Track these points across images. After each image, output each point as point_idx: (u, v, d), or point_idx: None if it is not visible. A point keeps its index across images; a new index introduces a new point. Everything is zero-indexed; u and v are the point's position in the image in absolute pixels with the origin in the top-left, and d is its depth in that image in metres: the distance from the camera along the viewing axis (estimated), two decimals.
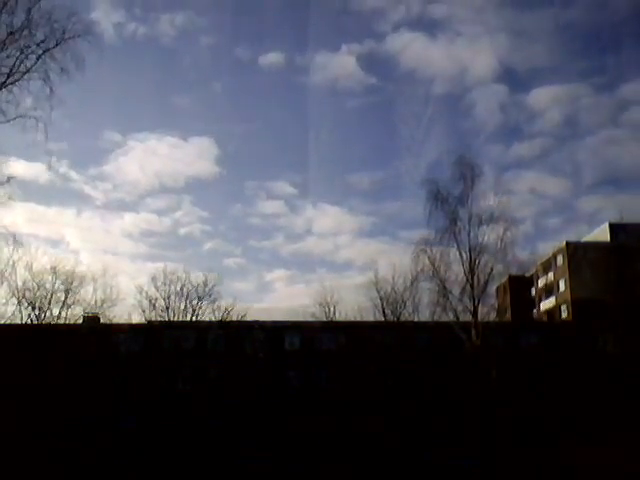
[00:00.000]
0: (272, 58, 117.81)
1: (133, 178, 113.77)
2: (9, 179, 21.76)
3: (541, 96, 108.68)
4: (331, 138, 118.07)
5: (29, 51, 20.56)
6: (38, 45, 20.54)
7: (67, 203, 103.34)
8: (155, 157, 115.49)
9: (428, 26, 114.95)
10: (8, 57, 20.34)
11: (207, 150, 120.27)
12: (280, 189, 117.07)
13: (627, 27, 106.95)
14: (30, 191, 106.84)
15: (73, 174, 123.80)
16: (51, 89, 20.64)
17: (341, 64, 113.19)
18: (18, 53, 20.45)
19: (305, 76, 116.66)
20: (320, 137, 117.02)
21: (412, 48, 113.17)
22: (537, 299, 70.56)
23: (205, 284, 51.95)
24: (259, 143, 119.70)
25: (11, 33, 20.11)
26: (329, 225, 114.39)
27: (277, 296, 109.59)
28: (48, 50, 20.55)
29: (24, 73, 20.55)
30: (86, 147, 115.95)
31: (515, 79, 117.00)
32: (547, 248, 65.40)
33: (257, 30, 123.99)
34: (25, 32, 20.36)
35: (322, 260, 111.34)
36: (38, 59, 20.63)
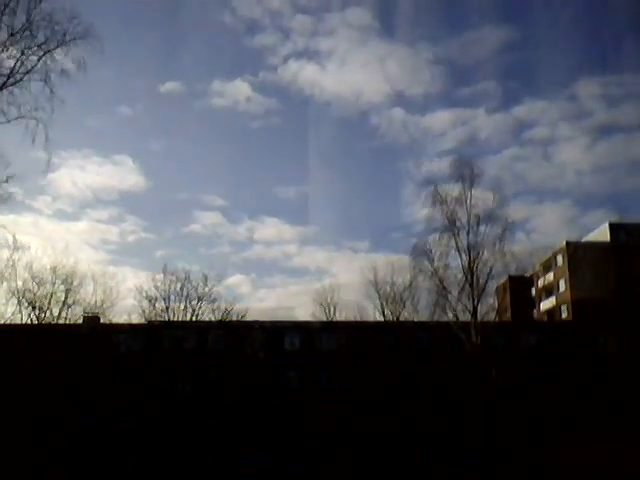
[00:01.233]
0: (171, 86, 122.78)
1: (68, 192, 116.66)
2: (8, 179, 21.77)
3: (439, 118, 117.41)
4: (249, 154, 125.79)
5: (30, 52, 20.62)
6: (39, 46, 20.60)
7: (19, 212, 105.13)
8: (84, 173, 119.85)
9: (317, 57, 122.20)
10: (9, 58, 20.42)
11: (132, 166, 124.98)
12: (212, 201, 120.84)
13: (506, 56, 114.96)
14: None
15: (12, 187, 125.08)
16: (51, 90, 20.70)
17: (238, 90, 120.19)
18: (19, 54, 20.52)
19: (206, 99, 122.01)
20: (235, 154, 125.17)
21: (304, 76, 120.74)
22: (537, 299, 70.57)
23: (205, 284, 51.90)
24: (180, 160, 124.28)
25: (12, 34, 20.15)
26: (271, 234, 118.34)
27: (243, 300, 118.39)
28: (49, 51, 20.62)
29: (25, 74, 20.60)
30: (18, 162, 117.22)
31: (409, 103, 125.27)
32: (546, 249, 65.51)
33: (153, 64, 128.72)
34: (26, 33, 20.42)
35: (276, 266, 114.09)
36: (39, 60, 20.70)
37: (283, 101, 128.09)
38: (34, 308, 45.27)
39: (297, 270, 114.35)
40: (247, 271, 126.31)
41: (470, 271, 42.72)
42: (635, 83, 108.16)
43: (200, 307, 51.35)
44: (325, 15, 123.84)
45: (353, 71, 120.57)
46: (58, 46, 20.57)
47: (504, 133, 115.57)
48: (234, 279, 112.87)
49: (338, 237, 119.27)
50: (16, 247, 32.40)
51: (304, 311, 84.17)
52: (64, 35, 20.61)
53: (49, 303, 46.05)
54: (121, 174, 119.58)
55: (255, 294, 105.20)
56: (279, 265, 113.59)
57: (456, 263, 43.39)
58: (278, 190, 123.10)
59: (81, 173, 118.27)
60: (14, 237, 23.43)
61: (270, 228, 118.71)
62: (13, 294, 44.02)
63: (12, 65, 20.44)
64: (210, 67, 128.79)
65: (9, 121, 20.69)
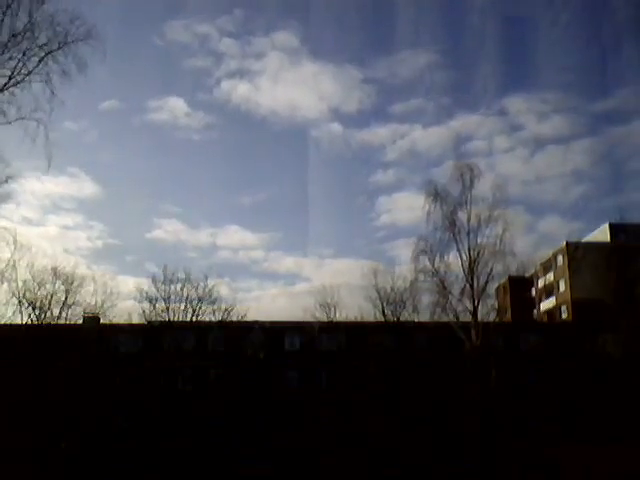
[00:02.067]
0: (109, 104, 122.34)
1: (28, 199, 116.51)
2: (7, 179, 21.76)
3: (377, 133, 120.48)
4: (197, 164, 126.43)
5: (31, 54, 20.57)
6: (40, 48, 20.54)
7: None
8: (42, 183, 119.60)
9: (249, 76, 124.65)
10: (10, 59, 20.36)
11: (86, 177, 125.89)
12: (169, 209, 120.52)
13: (434, 75, 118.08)
14: None
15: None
16: (52, 92, 20.67)
17: (175, 106, 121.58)
18: (20, 55, 20.47)
19: (145, 115, 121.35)
20: (182, 164, 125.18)
21: (239, 94, 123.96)
22: (537, 299, 70.64)
23: (205, 284, 51.85)
24: (131, 171, 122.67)
25: (13, 35, 20.12)
26: (234, 240, 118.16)
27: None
28: (50, 53, 20.56)
29: (26, 75, 20.54)
30: None
31: (346, 118, 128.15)
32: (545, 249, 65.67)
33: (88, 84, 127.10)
34: (28, 35, 20.37)
35: (247, 271, 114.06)
36: (40, 62, 20.63)
37: (221, 117, 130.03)
38: (34, 308, 45.25)
39: (269, 275, 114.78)
40: (219, 275, 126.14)
41: (470, 271, 42.77)
42: (559, 99, 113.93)
43: (200, 307, 51.32)
44: (252, 39, 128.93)
45: (287, 89, 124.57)
46: (59, 47, 20.54)
47: (443, 146, 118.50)
48: (209, 282, 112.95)
49: (301, 244, 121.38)
50: (17, 247, 32.51)
51: (289, 312, 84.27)
52: (66, 36, 20.59)
53: (49, 303, 46.02)
54: (78, 184, 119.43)
55: (234, 297, 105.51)
56: (250, 270, 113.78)
57: (456, 263, 43.48)
58: (234, 198, 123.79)
59: (38, 183, 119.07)
60: (14, 238, 23.39)
61: (232, 234, 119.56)
62: (13, 294, 44.01)
63: (13, 66, 20.43)
64: (145, 87, 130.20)
65: (10, 122, 20.68)
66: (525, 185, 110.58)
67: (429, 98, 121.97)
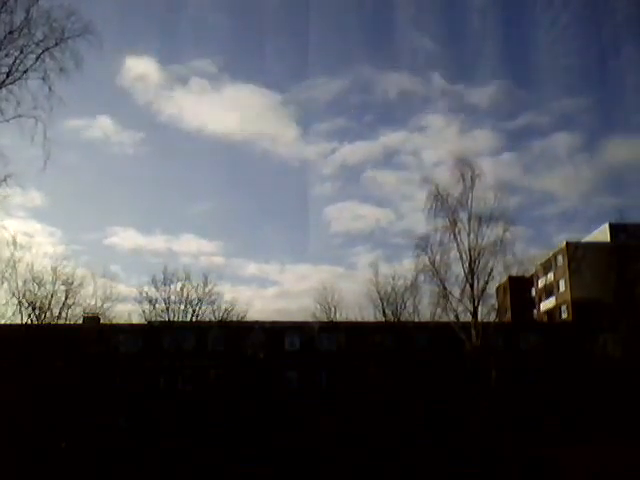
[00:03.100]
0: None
1: None
2: (6, 178, 21.70)
3: (309, 149, 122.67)
4: (138, 177, 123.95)
5: (28, 50, 20.47)
6: (37, 44, 20.43)
7: None
8: None
9: (174, 99, 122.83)
10: (7, 56, 20.27)
11: (31, 188, 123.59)
12: (120, 218, 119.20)
13: (350, 97, 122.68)
14: None
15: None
16: (50, 88, 20.55)
17: (101, 125, 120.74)
18: (17, 52, 20.37)
19: (73, 134, 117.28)
20: (123, 177, 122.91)
21: (167, 114, 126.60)
22: (537, 299, 70.53)
23: (205, 284, 51.89)
24: (74, 184, 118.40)
25: (10, 32, 20.05)
26: (191, 247, 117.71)
27: None
28: (47, 49, 20.43)
29: (23, 72, 20.44)
30: None
31: (275, 138, 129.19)
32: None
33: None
34: (24, 31, 20.26)
35: (213, 276, 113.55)
36: (37, 58, 20.52)
37: (152, 133, 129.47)
38: (34, 308, 45.17)
39: (236, 279, 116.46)
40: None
41: (471, 272, 42.73)
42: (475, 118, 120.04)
43: (200, 308, 51.36)
44: (172, 66, 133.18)
45: (213, 110, 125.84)
46: (57, 44, 20.43)
47: (377, 159, 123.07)
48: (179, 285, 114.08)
49: (257, 251, 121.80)
50: (17, 247, 32.49)
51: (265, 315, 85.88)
52: (62, 32, 20.52)
53: (49, 303, 45.95)
54: (22, 193, 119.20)
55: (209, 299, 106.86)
56: (215, 275, 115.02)
57: (457, 264, 43.45)
58: (184, 207, 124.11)
59: None
60: (14, 238, 23.34)
61: (188, 242, 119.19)
62: (13, 294, 43.95)
63: (10, 63, 20.38)
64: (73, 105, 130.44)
65: (7, 120, 20.64)
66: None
67: (350, 117, 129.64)
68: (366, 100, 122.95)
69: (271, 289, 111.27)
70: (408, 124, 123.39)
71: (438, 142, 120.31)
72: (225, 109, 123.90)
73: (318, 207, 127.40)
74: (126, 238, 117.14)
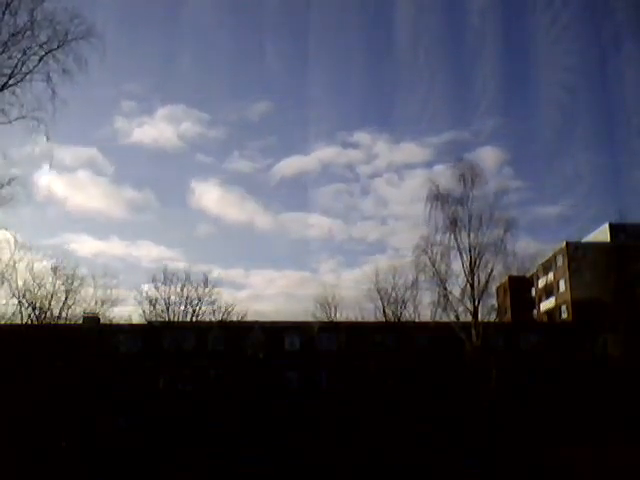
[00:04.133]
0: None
1: None
2: (10, 181, 21.70)
3: (244, 163, 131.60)
4: None
5: (31, 52, 20.50)
6: (41, 46, 20.46)
7: None
8: None
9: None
10: (10, 58, 20.29)
11: None
12: (74, 224, 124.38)
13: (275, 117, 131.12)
14: None
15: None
16: (53, 90, 20.56)
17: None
18: (20, 54, 20.40)
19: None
20: None
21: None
22: (537, 299, 70.67)
23: (205, 285, 51.83)
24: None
25: (14, 34, 20.05)
26: (153, 253, 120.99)
27: None
28: (50, 51, 20.49)
29: (26, 74, 20.48)
30: None
31: (211, 150, 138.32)
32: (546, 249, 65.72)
33: None
34: (28, 33, 20.29)
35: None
36: (40, 60, 20.56)
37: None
38: (34, 308, 45.10)
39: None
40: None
41: (471, 272, 42.74)
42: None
43: (200, 308, 51.30)
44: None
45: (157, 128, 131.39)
46: (60, 46, 20.45)
47: (311, 172, 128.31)
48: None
49: (220, 257, 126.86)
50: (17, 247, 32.46)
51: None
52: (66, 35, 20.52)
53: (49, 303, 45.89)
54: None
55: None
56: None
57: (457, 263, 43.46)
58: (137, 215, 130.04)
59: None
60: (15, 238, 23.28)
61: (148, 247, 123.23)
62: (13, 294, 43.90)
63: (14, 65, 20.36)
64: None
65: (10, 121, 20.64)
66: (406, 205, 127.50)
67: (279, 135, 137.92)
68: (295, 117, 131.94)
69: (243, 292, 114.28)
70: (338, 140, 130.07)
71: (369, 157, 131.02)
72: (167, 125, 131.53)
73: (272, 216, 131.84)
74: (81, 242, 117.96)
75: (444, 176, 45.77)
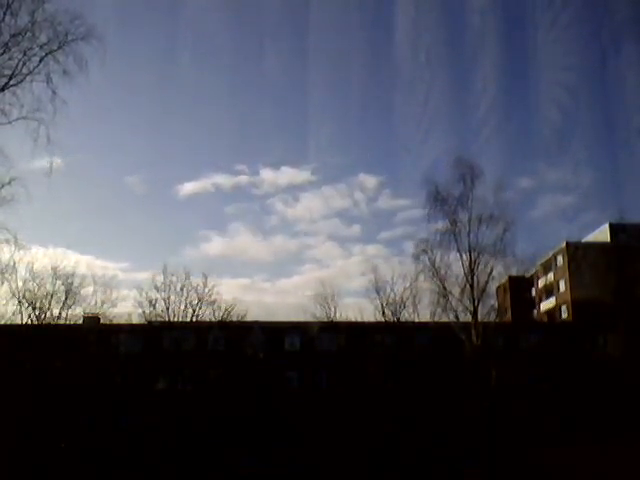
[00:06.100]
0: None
1: None
2: (11, 181, 21.69)
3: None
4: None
5: (32, 53, 20.52)
6: (41, 47, 20.48)
7: None
8: None
9: None
10: (11, 59, 20.32)
11: None
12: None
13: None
14: None
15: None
16: (53, 91, 20.59)
17: None
18: (21, 55, 20.42)
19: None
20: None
21: None
22: (537, 299, 70.68)
23: (205, 285, 51.77)
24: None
25: (14, 35, 20.08)
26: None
27: None
28: (51, 52, 20.51)
29: (27, 75, 20.50)
30: None
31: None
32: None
33: None
34: (28, 34, 20.32)
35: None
36: (41, 61, 20.58)
37: None
38: (34, 308, 45.10)
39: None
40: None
41: (471, 272, 42.74)
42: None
43: (200, 308, 51.23)
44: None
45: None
46: (60, 47, 20.47)
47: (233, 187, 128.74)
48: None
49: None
50: (17, 247, 32.34)
51: None
52: (66, 36, 20.53)
53: (49, 303, 45.89)
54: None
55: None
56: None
57: (457, 264, 43.46)
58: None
59: None
60: (15, 237, 23.22)
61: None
62: (13, 294, 43.90)
63: (14, 66, 20.38)
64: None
65: (11, 122, 20.65)
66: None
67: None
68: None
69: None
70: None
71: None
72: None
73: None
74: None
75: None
